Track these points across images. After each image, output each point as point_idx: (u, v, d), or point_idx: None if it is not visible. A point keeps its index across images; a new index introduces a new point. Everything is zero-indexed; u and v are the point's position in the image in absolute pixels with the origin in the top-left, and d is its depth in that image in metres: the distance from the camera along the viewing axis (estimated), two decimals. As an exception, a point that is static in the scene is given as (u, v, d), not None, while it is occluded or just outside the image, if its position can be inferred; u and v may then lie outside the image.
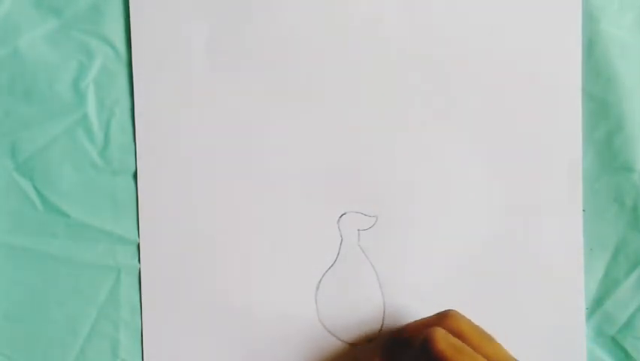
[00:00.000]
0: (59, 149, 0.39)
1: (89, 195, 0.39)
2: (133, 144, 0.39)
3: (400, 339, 0.37)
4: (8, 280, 0.39)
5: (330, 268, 0.39)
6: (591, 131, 0.40)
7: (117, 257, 0.39)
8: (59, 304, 0.39)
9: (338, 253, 0.40)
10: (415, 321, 0.37)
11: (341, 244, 0.40)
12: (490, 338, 0.34)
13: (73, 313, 0.39)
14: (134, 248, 0.39)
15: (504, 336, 0.39)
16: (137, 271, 0.39)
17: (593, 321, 0.40)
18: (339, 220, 0.40)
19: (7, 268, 0.39)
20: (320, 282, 0.39)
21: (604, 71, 0.39)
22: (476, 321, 0.34)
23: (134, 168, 0.39)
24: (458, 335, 0.33)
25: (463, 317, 0.35)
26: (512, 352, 0.34)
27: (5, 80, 0.39)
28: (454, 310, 0.35)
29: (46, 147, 0.39)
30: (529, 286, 0.40)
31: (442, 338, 0.32)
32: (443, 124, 0.40)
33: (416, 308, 0.39)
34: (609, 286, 0.40)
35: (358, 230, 0.40)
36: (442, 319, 0.34)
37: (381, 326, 0.40)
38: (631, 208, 0.40)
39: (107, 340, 0.39)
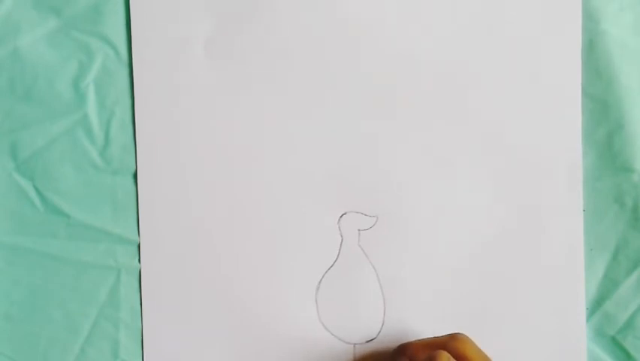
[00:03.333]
0: (59, 149, 0.39)
1: (89, 195, 0.39)
2: (133, 144, 0.39)
3: (404, 356, 0.37)
4: (8, 280, 0.39)
5: (330, 268, 0.39)
6: (591, 132, 0.40)
7: (117, 257, 0.39)
8: (59, 304, 0.39)
9: (338, 253, 0.40)
10: (422, 340, 0.36)
11: (341, 244, 0.40)
12: None
13: (73, 313, 0.39)
14: (134, 248, 0.39)
15: (504, 336, 0.39)
16: (137, 271, 0.39)
17: (593, 321, 0.40)
18: (339, 220, 0.40)
19: (7, 268, 0.39)
20: (320, 282, 0.39)
21: (604, 72, 0.39)
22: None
23: (134, 168, 0.39)
24: (463, 360, 0.34)
25: (472, 342, 0.35)
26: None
27: (5, 80, 0.39)
28: (462, 334, 0.35)
29: (46, 147, 0.39)
30: (529, 286, 0.40)
31: None
32: (443, 124, 0.40)
33: (416, 308, 0.39)
34: (609, 286, 0.40)
35: (358, 230, 0.39)
36: (450, 341, 0.35)
37: (381, 326, 0.40)
38: (631, 208, 0.40)
39: (107, 340, 0.39)
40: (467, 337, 0.35)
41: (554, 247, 0.40)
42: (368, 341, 0.40)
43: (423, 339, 0.36)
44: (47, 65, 0.39)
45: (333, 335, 0.40)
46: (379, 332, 0.40)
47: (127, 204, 0.39)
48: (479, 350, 0.35)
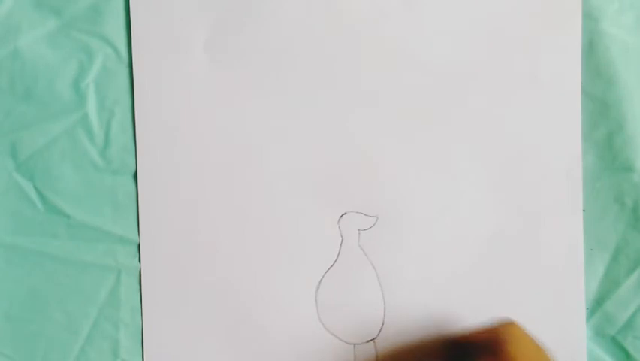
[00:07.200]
0: (59, 149, 0.39)
1: (89, 195, 0.39)
2: (133, 144, 0.39)
3: (462, 342, 0.37)
4: (8, 280, 0.39)
5: (330, 268, 0.39)
6: (591, 132, 0.40)
7: (117, 257, 0.39)
8: (59, 304, 0.39)
9: (338, 253, 0.40)
10: (477, 329, 0.36)
11: (341, 244, 0.40)
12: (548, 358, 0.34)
13: (73, 313, 0.39)
14: (134, 248, 0.39)
15: (504, 336, 0.39)
16: (137, 271, 0.39)
17: (593, 321, 0.40)
18: (339, 220, 0.40)
19: (7, 268, 0.39)
20: (320, 282, 0.39)
21: (604, 71, 0.39)
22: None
23: (134, 168, 0.39)
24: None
25: (524, 330, 0.35)
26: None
27: (5, 80, 0.39)
28: (513, 322, 0.35)
29: (46, 147, 0.39)
30: (529, 286, 0.40)
31: (515, 341, 0.32)
32: (443, 124, 0.40)
33: (416, 308, 0.39)
34: (609, 286, 0.40)
35: (358, 230, 0.39)
36: (504, 328, 0.34)
37: (381, 326, 0.40)
38: (631, 208, 0.40)
39: (107, 340, 0.39)
40: (518, 324, 0.35)
41: (554, 247, 0.40)
42: (368, 341, 0.40)
43: (475, 329, 0.36)
44: (47, 65, 0.39)
45: (333, 335, 0.40)
46: (379, 332, 0.40)
47: (127, 204, 0.39)
48: (533, 339, 0.34)
